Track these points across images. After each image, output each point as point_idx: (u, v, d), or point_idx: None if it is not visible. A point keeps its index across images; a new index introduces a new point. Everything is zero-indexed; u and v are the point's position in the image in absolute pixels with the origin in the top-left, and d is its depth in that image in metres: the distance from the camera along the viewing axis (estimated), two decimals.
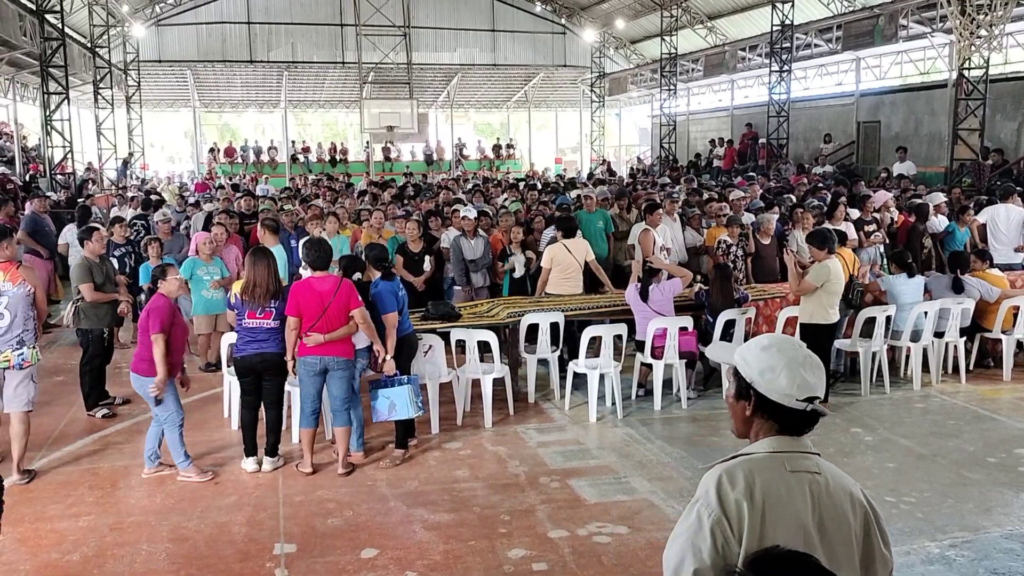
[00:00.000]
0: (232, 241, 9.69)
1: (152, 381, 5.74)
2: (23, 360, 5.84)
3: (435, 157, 33.99)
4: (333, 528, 5.15)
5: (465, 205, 11.44)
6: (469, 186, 18.88)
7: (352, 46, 30.11)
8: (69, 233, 11.36)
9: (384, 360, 6.12)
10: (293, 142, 33.73)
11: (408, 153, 34.88)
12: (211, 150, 33.20)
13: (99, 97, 24.44)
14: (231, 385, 6.99)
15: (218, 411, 7.42)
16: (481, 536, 5.01)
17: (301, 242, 9.48)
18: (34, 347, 5.98)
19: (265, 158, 32.33)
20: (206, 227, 10.08)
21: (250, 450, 6.13)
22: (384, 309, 6.17)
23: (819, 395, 2.04)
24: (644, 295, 7.49)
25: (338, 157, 32.99)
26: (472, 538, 4.98)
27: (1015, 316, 8.21)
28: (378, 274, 6.36)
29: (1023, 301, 8.19)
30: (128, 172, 25.70)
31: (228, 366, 7.10)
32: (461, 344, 7.17)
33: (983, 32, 14.12)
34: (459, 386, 7.12)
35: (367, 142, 32.40)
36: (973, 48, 14.73)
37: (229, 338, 7.14)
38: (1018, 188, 10.95)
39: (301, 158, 32.48)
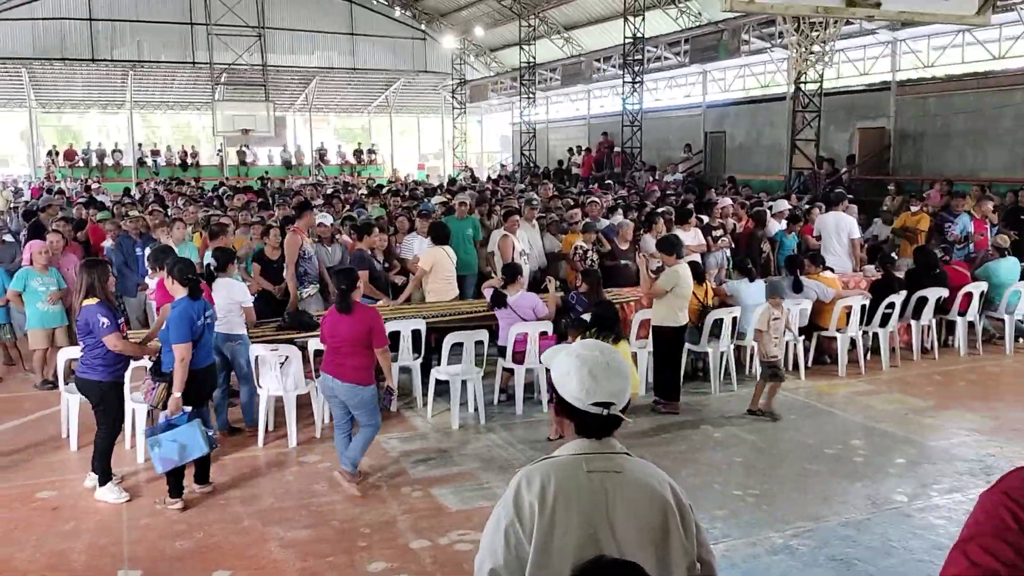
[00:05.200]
0: (71, 250, 9.13)
1: (368, 389, 5.70)
2: None
3: (294, 162, 33.19)
4: (182, 551, 4.92)
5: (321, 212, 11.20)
6: (328, 191, 18.54)
7: (203, 46, 29.03)
8: None
9: (172, 397, 5.44)
10: (140, 145, 32.15)
11: (265, 157, 33.91)
12: (49, 153, 31.15)
13: None
14: (69, 403, 6.58)
15: (57, 432, 6.94)
16: (340, 551, 4.91)
17: (147, 250, 9.08)
18: None
19: (109, 161, 30.63)
20: (40, 235, 9.44)
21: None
22: (173, 337, 5.41)
23: (615, 401, 2.14)
24: (497, 301, 7.56)
25: (189, 161, 31.67)
26: (331, 553, 4.88)
27: (848, 315, 8.79)
28: (183, 291, 5.61)
29: (855, 301, 8.79)
30: None
31: (66, 383, 6.68)
32: (320, 354, 7.02)
33: (816, 48, 15.09)
34: (318, 397, 6.95)
35: (221, 145, 31.26)
36: (808, 63, 15.72)
37: (67, 353, 6.74)
38: (848, 195, 11.75)
39: (149, 161, 30.99)
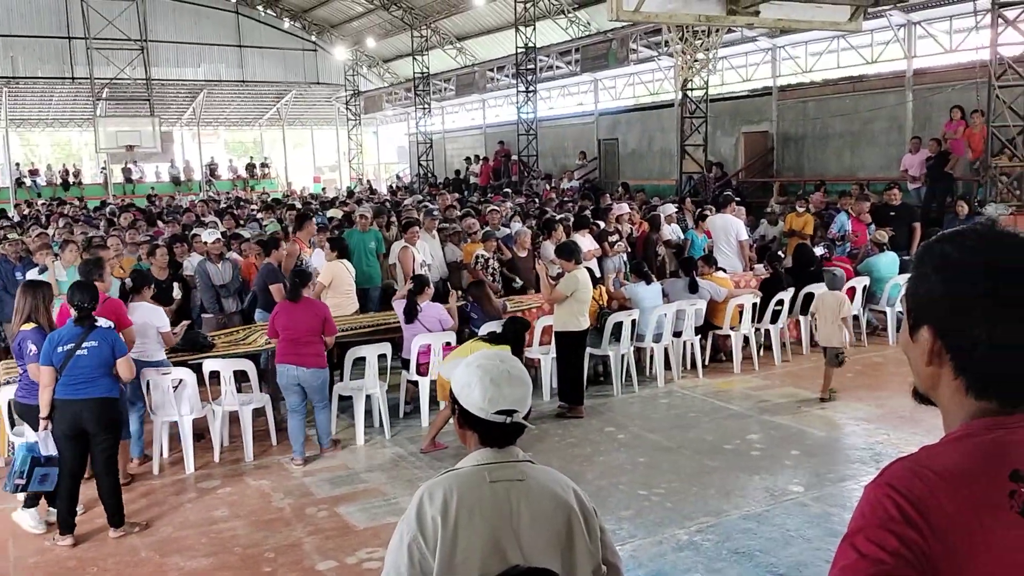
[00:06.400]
0: None
1: (326, 371, 6.62)
2: None
3: (183, 177, 32.13)
4: None
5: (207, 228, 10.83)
6: (221, 207, 18.03)
7: (83, 60, 27.81)
8: None
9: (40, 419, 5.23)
10: (18, 164, 30.55)
11: (153, 174, 32.71)
12: None
13: None
14: None
15: None
16: None
17: (28, 274, 8.61)
18: None
19: None
20: None
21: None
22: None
23: (518, 409, 2.15)
24: (410, 314, 7.46)
25: (71, 180, 30.27)
26: None
27: (740, 314, 9.08)
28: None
29: (747, 300, 9.10)
30: None
31: None
32: (216, 375, 6.80)
33: (701, 56, 15.54)
34: (215, 420, 6.74)
35: (104, 163, 30.04)
36: (693, 70, 16.17)
37: None
38: (736, 198, 12.14)
39: (28, 182, 29.46)
